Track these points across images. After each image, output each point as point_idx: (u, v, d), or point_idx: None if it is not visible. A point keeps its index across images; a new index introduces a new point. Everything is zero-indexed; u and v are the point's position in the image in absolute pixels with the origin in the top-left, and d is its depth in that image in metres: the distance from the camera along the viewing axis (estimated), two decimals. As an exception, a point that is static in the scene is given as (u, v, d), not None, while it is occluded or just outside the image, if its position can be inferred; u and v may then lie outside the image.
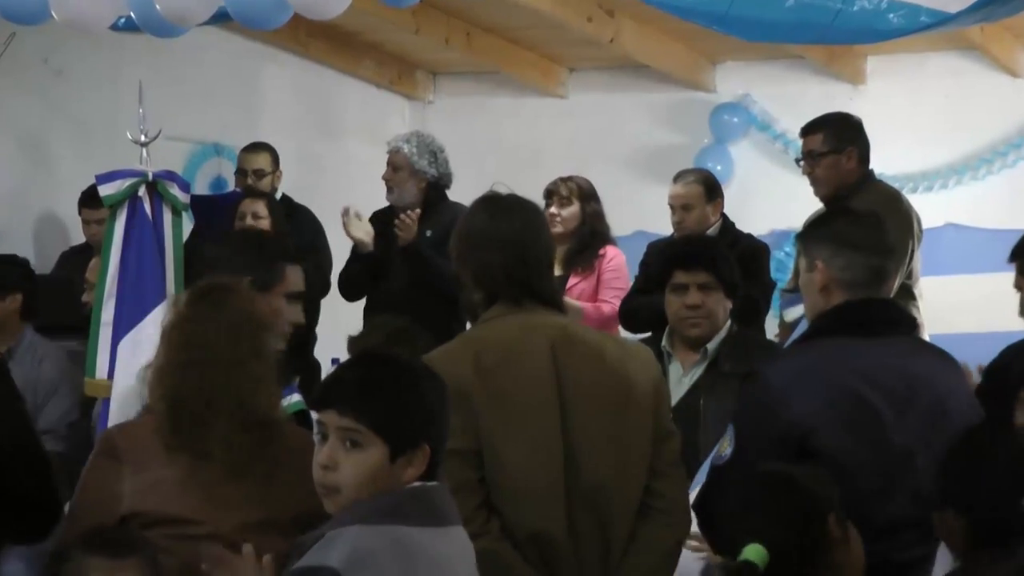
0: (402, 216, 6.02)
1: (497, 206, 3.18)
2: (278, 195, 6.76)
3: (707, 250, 4.58)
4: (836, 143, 5.40)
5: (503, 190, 3.24)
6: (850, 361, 3.16)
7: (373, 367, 2.61)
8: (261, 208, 6.05)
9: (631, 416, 3.09)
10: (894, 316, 3.32)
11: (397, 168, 6.21)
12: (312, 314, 6.32)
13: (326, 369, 6.29)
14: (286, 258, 3.67)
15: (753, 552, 2.56)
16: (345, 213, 6.11)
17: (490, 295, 3.13)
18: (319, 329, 6.43)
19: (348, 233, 6.11)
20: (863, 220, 3.37)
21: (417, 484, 2.53)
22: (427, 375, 2.61)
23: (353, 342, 4.64)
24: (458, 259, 3.19)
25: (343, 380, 2.60)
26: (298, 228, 6.59)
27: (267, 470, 3.09)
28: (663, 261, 4.63)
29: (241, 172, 6.78)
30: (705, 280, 4.41)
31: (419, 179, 6.20)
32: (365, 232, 6.10)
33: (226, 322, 3.15)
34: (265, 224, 5.99)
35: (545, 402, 3.04)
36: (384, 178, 6.24)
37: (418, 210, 6.04)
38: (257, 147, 6.82)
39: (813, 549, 2.63)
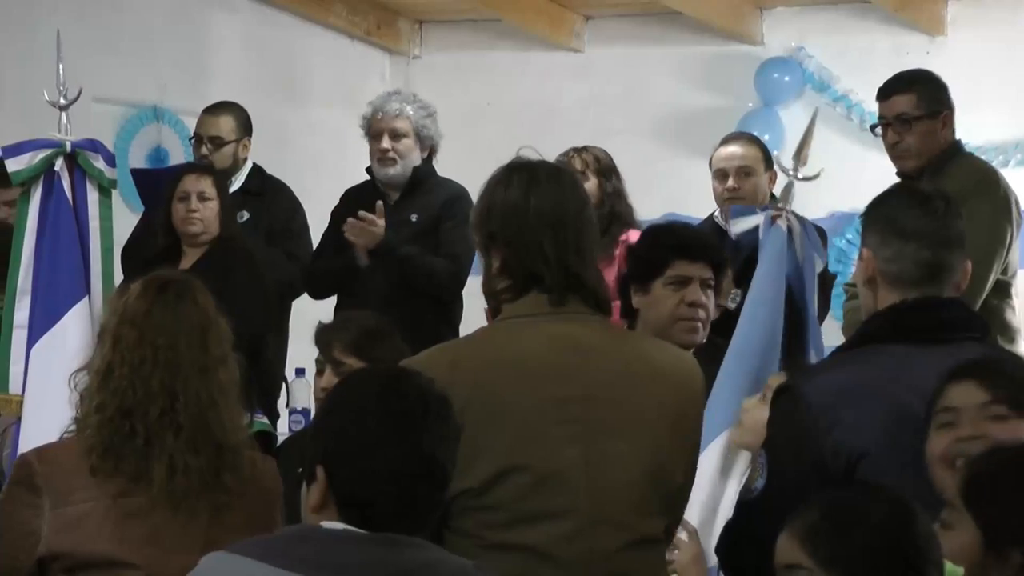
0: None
1: (535, 176, 3.15)
2: (247, 167, 6.70)
3: (715, 241, 4.52)
4: (933, 104, 5.36)
5: (532, 155, 3.21)
6: (907, 375, 3.13)
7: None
8: (208, 187, 5.95)
9: (678, 439, 3.13)
10: (961, 319, 3.29)
11: (400, 135, 6.19)
12: (279, 315, 6.32)
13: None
14: None
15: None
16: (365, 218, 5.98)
17: (523, 284, 3.10)
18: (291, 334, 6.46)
19: (352, 237, 6.00)
20: (924, 202, 3.33)
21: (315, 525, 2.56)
22: (367, 386, 2.63)
23: (322, 333, 4.65)
24: (487, 238, 3.14)
25: None
26: (270, 208, 6.57)
27: (216, 504, 3.11)
28: (661, 248, 4.56)
29: (196, 138, 6.71)
30: (710, 277, 4.37)
31: (423, 147, 6.22)
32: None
33: (192, 321, 3.18)
34: (213, 207, 5.93)
35: (563, 430, 3.03)
36: (382, 148, 6.18)
37: (380, 203, 5.98)
38: (219, 108, 6.72)
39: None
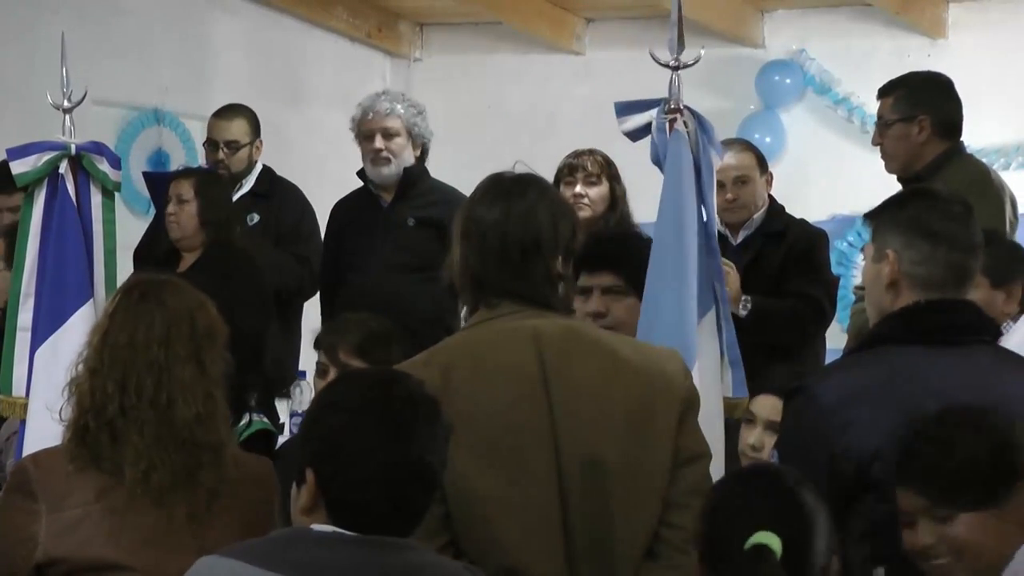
0: None
1: (487, 186, 3.17)
2: (257, 169, 6.70)
3: (616, 248, 4.43)
4: (907, 109, 5.38)
5: (521, 169, 3.21)
6: (921, 376, 3.15)
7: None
8: (186, 189, 5.93)
9: (649, 438, 3.09)
10: (973, 321, 3.29)
11: (393, 134, 6.18)
12: (288, 317, 6.32)
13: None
14: None
15: (768, 537, 2.55)
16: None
17: (472, 298, 3.14)
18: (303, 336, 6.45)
19: None
20: (947, 205, 3.35)
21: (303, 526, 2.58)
22: (353, 390, 2.65)
23: (326, 336, 4.66)
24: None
25: None
26: (279, 210, 6.58)
27: (198, 502, 3.12)
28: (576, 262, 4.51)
29: (211, 144, 6.72)
30: (611, 283, 4.29)
31: (415, 146, 6.21)
32: None
33: (152, 320, 3.17)
34: (191, 209, 5.91)
35: (529, 424, 3.03)
36: (375, 148, 6.16)
37: None
38: (230, 112, 6.74)
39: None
